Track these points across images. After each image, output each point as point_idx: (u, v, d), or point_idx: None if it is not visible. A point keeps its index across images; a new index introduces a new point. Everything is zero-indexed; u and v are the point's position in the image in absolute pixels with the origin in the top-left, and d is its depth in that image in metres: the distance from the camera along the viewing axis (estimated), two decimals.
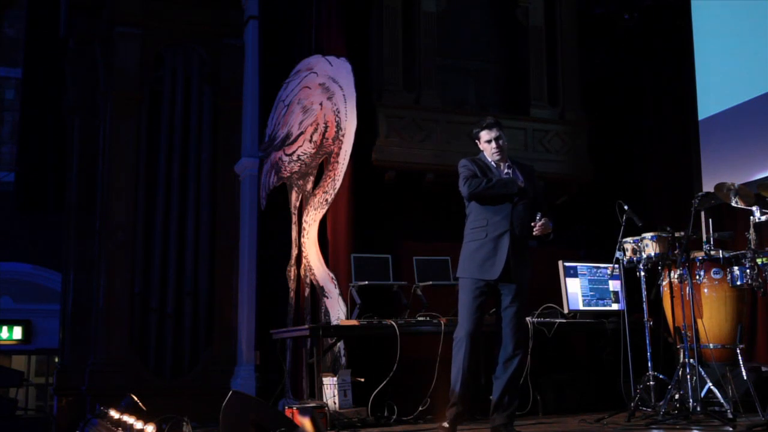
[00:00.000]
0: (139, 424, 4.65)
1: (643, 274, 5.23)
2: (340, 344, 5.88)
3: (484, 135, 4.41)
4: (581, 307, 6.06)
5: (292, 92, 6.83)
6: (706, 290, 5.20)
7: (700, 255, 5.25)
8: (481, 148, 4.46)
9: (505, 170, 4.39)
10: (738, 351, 5.15)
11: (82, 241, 8.90)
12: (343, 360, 5.86)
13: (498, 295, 4.33)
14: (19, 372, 13.92)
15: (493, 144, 4.37)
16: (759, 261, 4.85)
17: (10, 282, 15.22)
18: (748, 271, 4.89)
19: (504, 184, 4.29)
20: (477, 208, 4.36)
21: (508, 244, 4.24)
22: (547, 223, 4.30)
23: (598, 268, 6.19)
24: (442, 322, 5.51)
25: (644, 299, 5.24)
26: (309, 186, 6.54)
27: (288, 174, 6.72)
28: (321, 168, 6.50)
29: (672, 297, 5.06)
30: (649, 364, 5.13)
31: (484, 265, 4.26)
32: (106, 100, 8.44)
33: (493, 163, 4.40)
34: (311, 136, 6.57)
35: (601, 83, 7.97)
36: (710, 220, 5.48)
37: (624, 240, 5.31)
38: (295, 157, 6.67)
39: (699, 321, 4.91)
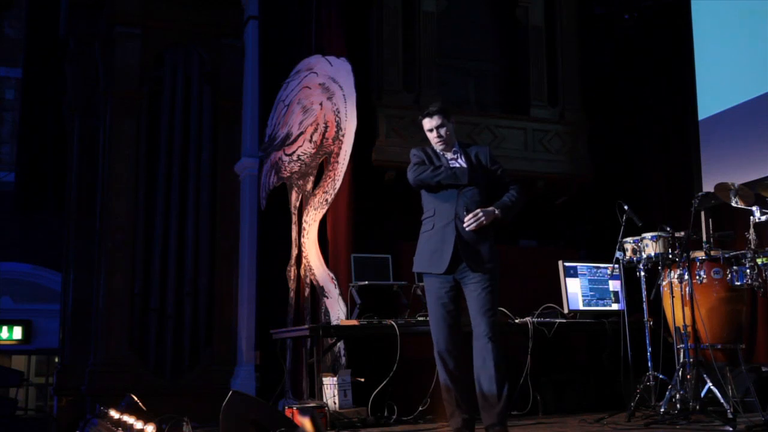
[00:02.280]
0: (139, 424, 4.65)
1: (643, 274, 5.23)
2: (340, 344, 5.87)
3: (425, 124, 4.18)
4: (581, 307, 6.05)
5: (292, 92, 6.83)
6: (706, 290, 5.19)
7: (700, 255, 5.25)
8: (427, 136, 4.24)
9: (450, 157, 4.17)
10: (738, 351, 5.15)
11: (82, 241, 8.91)
12: (343, 360, 5.86)
13: (462, 292, 4.05)
14: (19, 372, 13.92)
15: (434, 133, 4.14)
16: (759, 261, 4.86)
17: (10, 282, 15.23)
18: (748, 271, 4.88)
19: (453, 175, 4.03)
20: (426, 196, 4.15)
21: (454, 234, 3.98)
22: (479, 216, 3.96)
23: (598, 268, 6.19)
24: None
25: (644, 299, 5.24)
26: (309, 186, 6.54)
27: (288, 174, 6.72)
28: (321, 168, 6.50)
29: (672, 297, 5.06)
30: (649, 364, 5.13)
31: (432, 257, 4.03)
32: (106, 100, 8.43)
33: (438, 151, 4.19)
34: (311, 136, 6.57)
35: (601, 83, 7.97)
36: (710, 220, 5.48)
37: (624, 240, 5.31)
38: (295, 157, 6.67)
39: (699, 321, 4.90)
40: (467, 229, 3.96)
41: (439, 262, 4.00)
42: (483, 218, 3.96)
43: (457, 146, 4.22)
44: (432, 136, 4.17)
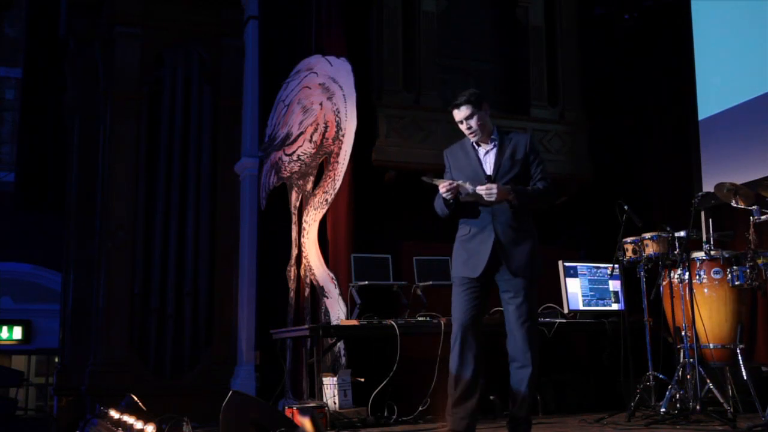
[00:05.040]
0: (139, 424, 4.65)
1: (643, 274, 5.24)
2: (340, 344, 5.88)
3: (455, 115, 4.00)
4: (581, 307, 6.06)
5: (292, 92, 6.83)
6: (706, 290, 5.20)
7: (700, 255, 5.25)
8: None
9: (485, 150, 3.99)
10: (738, 351, 5.15)
11: (82, 241, 8.90)
12: (343, 360, 5.86)
13: (496, 291, 3.97)
14: (19, 372, 13.94)
15: (464, 125, 3.96)
16: (759, 261, 4.86)
17: (10, 282, 15.24)
18: (748, 271, 4.89)
19: (439, 205, 4.00)
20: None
21: (493, 236, 3.85)
22: (489, 191, 3.81)
23: (598, 268, 6.19)
24: (442, 322, 5.50)
25: (644, 299, 5.24)
26: (309, 186, 6.54)
27: (288, 174, 6.72)
28: (321, 168, 6.50)
29: (672, 297, 5.06)
30: (649, 364, 5.13)
31: (468, 262, 3.90)
32: (106, 100, 8.43)
33: (473, 143, 4.02)
34: (311, 136, 6.57)
35: (601, 83, 7.97)
36: (710, 220, 5.48)
37: (624, 240, 5.31)
38: (295, 157, 6.67)
39: (699, 321, 4.91)
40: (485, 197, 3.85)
41: (476, 267, 3.87)
42: (495, 193, 3.80)
43: (496, 134, 4.01)
44: (463, 128, 3.99)
